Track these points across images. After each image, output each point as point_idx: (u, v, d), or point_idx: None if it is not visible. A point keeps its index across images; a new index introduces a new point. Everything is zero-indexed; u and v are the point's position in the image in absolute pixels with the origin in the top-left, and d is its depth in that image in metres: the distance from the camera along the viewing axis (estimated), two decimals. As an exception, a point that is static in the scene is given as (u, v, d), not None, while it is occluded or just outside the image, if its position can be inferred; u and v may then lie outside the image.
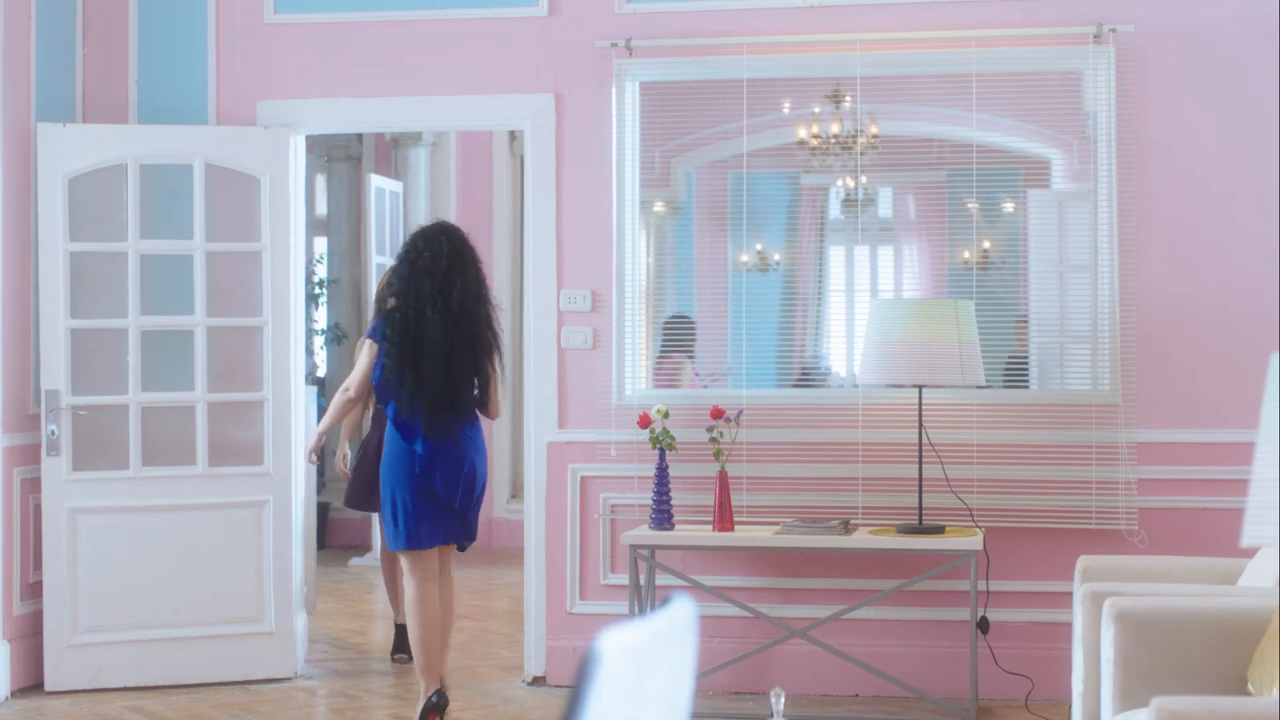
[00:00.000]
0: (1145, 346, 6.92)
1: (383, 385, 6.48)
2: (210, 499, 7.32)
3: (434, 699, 6.51)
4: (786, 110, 7.74)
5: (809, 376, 7.96)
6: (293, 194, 7.44)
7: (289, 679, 7.38)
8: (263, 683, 7.32)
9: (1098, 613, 5.18)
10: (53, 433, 7.17)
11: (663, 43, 7.22)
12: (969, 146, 7.30)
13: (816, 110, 8.22)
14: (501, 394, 6.65)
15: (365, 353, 6.59)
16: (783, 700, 4.51)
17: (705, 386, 7.80)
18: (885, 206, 8.51)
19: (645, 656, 1.92)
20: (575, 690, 1.82)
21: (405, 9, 7.42)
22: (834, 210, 8.70)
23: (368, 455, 7.62)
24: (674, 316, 7.89)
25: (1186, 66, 6.92)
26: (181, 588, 7.27)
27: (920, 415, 6.73)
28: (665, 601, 2.03)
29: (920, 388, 6.70)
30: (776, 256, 7.96)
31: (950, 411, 6.97)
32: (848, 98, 7.86)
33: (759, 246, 8.14)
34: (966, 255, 7.79)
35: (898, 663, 6.97)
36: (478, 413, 6.54)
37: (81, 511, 7.21)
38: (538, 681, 7.34)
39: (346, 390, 6.63)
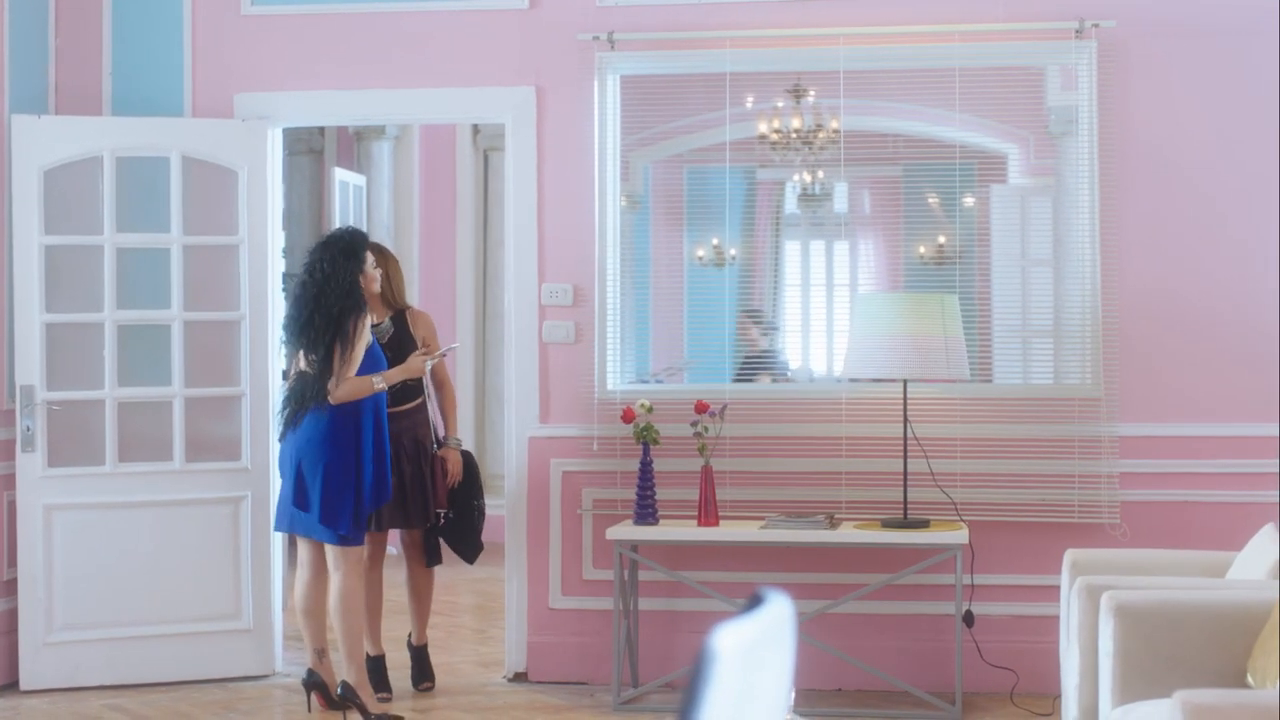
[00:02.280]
0: (1127, 341, 6.94)
1: None
2: (187, 495, 7.24)
3: (305, 676, 6.74)
4: (750, 105, 7.72)
5: (767, 370, 7.91)
6: (270, 188, 7.37)
7: (267, 676, 7.32)
8: (241, 680, 7.25)
9: (1094, 606, 5.19)
10: (27, 428, 7.08)
11: (645, 36, 7.19)
12: (926, 141, 7.31)
13: (780, 105, 8.22)
14: (342, 373, 6.40)
15: None
16: (793, 696, 4.50)
17: (660, 381, 7.79)
18: (843, 201, 8.53)
19: (754, 653, 1.90)
20: (691, 688, 1.80)
21: (385, 1, 7.36)
22: (791, 205, 8.71)
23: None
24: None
25: (1168, 61, 6.95)
26: (159, 585, 7.20)
27: (905, 409, 6.74)
28: (758, 599, 2.00)
29: (905, 382, 6.71)
30: (733, 251, 7.95)
31: (933, 405, 6.98)
32: (812, 92, 7.87)
33: (715, 241, 8.13)
34: (922, 250, 7.81)
35: (882, 657, 6.97)
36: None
37: (57, 508, 7.12)
38: (519, 678, 7.30)
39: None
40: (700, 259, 8.18)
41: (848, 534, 6.68)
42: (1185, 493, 6.90)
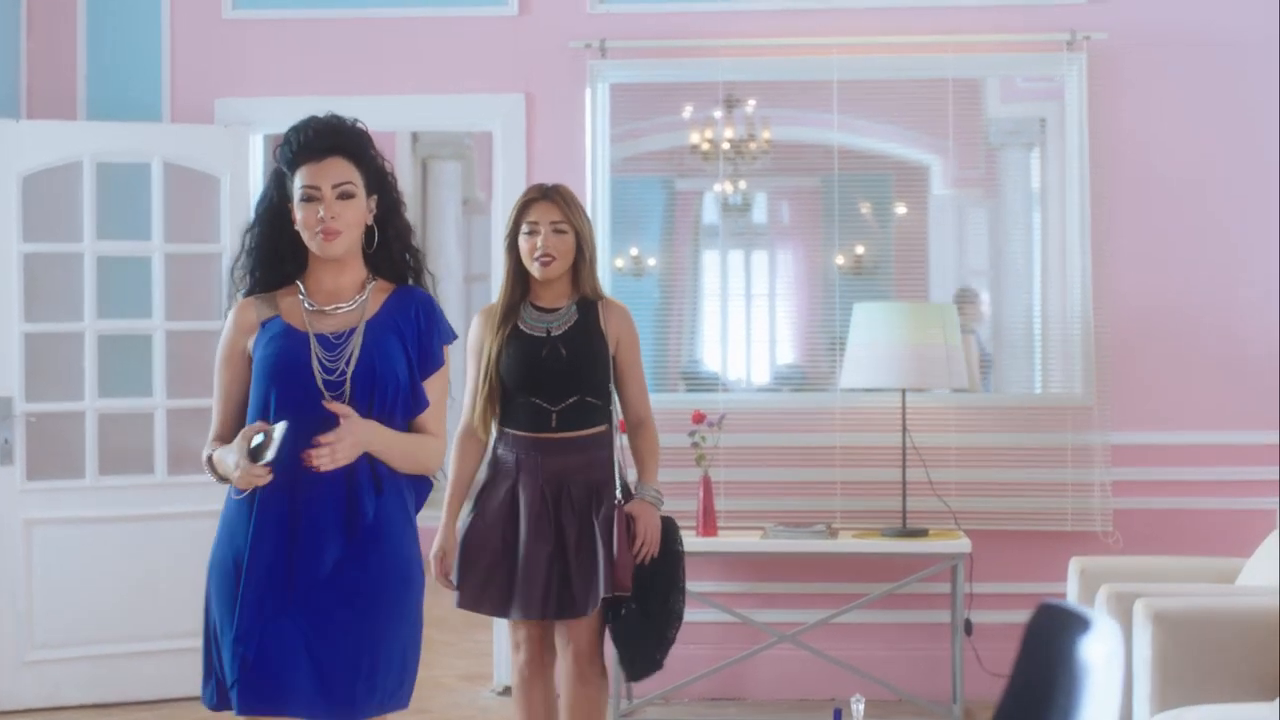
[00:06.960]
0: (1119, 351, 7.01)
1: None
2: (170, 508, 7.07)
3: None
4: (687, 115, 7.68)
5: (690, 381, 7.86)
6: (253, 195, 7.24)
7: (250, 693, 7.17)
8: (225, 697, 7.10)
9: (1124, 614, 5.22)
10: (5, 441, 6.89)
11: (637, 44, 7.15)
12: (848, 152, 7.33)
13: (717, 114, 8.19)
14: None
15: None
16: (863, 706, 4.48)
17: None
18: (769, 212, 8.50)
19: (1111, 663, 1.88)
20: (1068, 697, 1.78)
21: (371, 6, 7.27)
22: (715, 215, 8.68)
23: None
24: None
25: (1159, 74, 7.03)
26: (141, 600, 7.03)
27: (904, 419, 6.75)
28: (1076, 614, 1.98)
29: (904, 391, 6.72)
30: (651, 260, 7.93)
31: (928, 414, 6.99)
32: (752, 101, 7.86)
33: (634, 251, 8.11)
34: (841, 260, 7.83)
35: (880, 666, 6.96)
36: None
37: (36, 523, 6.93)
38: (508, 691, 7.19)
39: None
40: (619, 269, 8.13)
41: (855, 543, 6.67)
42: (1176, 500, 6.97)
